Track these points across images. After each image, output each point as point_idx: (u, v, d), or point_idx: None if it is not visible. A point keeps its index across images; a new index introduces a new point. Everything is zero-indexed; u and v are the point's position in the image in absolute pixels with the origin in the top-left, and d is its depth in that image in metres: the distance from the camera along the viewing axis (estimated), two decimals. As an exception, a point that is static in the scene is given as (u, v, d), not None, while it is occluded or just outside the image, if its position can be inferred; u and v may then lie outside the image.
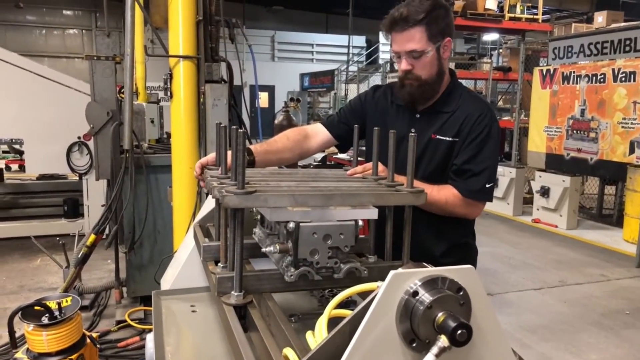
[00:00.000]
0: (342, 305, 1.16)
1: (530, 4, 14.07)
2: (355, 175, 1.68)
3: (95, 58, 3.82)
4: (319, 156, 7.84)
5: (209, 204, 1.90)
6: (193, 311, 1.62)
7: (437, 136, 1.92)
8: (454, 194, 1.87)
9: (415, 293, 0.89)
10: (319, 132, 2.14)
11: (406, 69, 1.85)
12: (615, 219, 8.34)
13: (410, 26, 1.78)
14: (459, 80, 2.04)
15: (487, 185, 1.88)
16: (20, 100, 5.66)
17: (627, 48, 7.40)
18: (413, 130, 1.86)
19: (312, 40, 24.30)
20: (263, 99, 21.84)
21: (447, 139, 1.90)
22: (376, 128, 1.57)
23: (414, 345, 0.90)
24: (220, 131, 1.64)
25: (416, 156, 1.68)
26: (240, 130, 1.29)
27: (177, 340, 1.48)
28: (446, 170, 1.92)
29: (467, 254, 2.08)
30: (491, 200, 1.94)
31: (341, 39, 21.88)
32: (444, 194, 1.86)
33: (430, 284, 0.90)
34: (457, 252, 2.03)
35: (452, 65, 14.23)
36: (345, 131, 2.10)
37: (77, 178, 6.23)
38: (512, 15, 13.16)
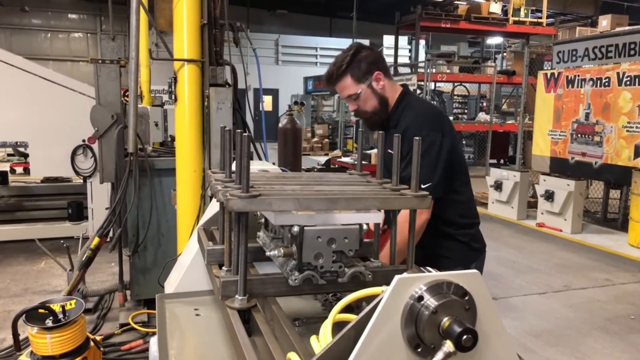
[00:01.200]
0: (346, 309, 1.16)
1: (534, 8, 14.07)
2: None
3: (100, 61, 3.83)
4: (322, 159, 7.84)
5: (213, 208, 1.90)
6: (197, 315, 1.62)
7: (389, 150, 1.97)
8: (404, 213, 1.88)
9: (421, 298, 0.89)
10: None
11: (353, 109, 2.23)
12: (620, 223, 8.30)
13: (337, 80, 2.18)
14: (411, 93, 2.34)
15: (423, 186, 1.93)
16: (25, 103, 5.68)
17: (632, 52, 7.38)
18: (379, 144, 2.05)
19: (316, 43, 24.35)
20: (267, 102, 21.89)
21: (390, 151, 1.96)
22: (381, 132, 1.66)
23: (419, 350, 0.89)
24: (224, 135, 1.64)
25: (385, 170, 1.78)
26: (244, 134, 1.29)
27: (181, 344, 1.48)
28: None
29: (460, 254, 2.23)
30: (436, 195, 1.90)
31: (345, 43, 21.85)
32: (400, 224, 1.90)
33: (436, 288, 0.90)
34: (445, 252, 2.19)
35: (455, 68, 14.24)
36: None
37: (82, 181, 6.24)
38: (516, 18, 13.17)
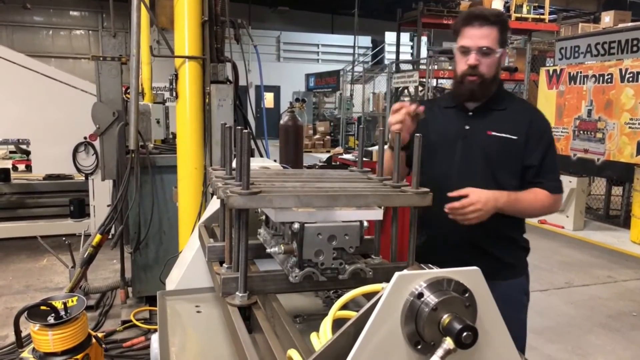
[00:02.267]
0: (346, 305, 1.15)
1: (536, 4, 14.02)
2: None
3: (101, 59, 3.83)
4: (324, 156, 7.82)
5: (214, 205, 1.90)
6: (198, 312, 1.62)
7: (493, 133, 1.99)
8: (546, 195, 2.00)
9: (421, 295, 0.89)
10: None
11: (474, 63, 1.93)
12: (622, 220, 8.28)
13: (488, 24, 1.92)
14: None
15: (559, 179, 2.07)
16: (26, 101, 5.68)
17: (635, 48, 7.35)
18: (467, 127, 2.01)
19: (318, 40, 24.32)
20: (268, 99, 21.87)
21: (503, 135, 1.99)
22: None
23: (419, 347, 0.89)
24: (225, 132, 1.64)
25: (471, 152, 1.93)
26: (244, 131, 1.29)
27: (182, 341, 1.48)
28: (497, 167, 1.99)
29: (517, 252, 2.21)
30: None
31: (347, 40, 21.89)
32: (540, 200, 1.98)
33: (436, 285, 0.89)
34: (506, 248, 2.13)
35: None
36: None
37: (83, 178, 6.25)
38: (519, 15, 13.12)
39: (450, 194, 1.83)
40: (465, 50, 1.95)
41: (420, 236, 1.95)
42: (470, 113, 2.04)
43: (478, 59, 1.92)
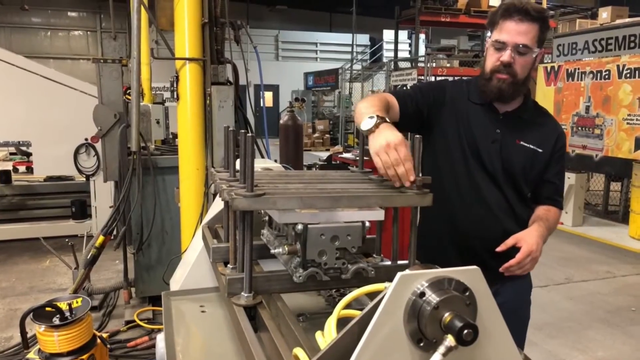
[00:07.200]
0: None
1: (534, 0, 14.01)
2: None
3: (102, 61, 3.85)
4: (324, 155, 7.83)
5: (217, 206, 1.93)
6: (202, 311, 1.64)
7: (521, 142, 1.93)
8: (559, 213, 2.02)
9: (422, 294, 0.91)
10: (394, 104, 1.91)
11: (508, 61, 1.81)
12: (621, 215, 8.31)
13: (529, 20, 1.79)
14: None
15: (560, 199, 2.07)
16: (27, 103, 5.70)
17: (632, 44, 7.37)
18: (498, 131, 1.93)
19: (316, 39, 24.32)
20: (267, 98, 21.88)
21: (530, 146, 1.93)
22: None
23: (422, 344, 0.92)
24: (228, 134, 1.66)
25: (499, 158, 1.88)
26: (248, 135, 1.31)
27: (187, 340, 1.51)
28: (519, 176, 1.94)
29: None
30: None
31: (345, 38, 21.88)
32: (557, 220, 2.01)
33: (437, 284, 0.92)
34: None
35: (456, 62, 14.23)
36: (413, 110, 1.94)
37: (84, 179, 6.27)
38: (516, 12, 13.10)
39: (499, 249, 1.79)
40: (500, 46, 1.82)
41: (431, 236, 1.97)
42: (501, 117, 1.94)
43: (513, 57, 1.80)
